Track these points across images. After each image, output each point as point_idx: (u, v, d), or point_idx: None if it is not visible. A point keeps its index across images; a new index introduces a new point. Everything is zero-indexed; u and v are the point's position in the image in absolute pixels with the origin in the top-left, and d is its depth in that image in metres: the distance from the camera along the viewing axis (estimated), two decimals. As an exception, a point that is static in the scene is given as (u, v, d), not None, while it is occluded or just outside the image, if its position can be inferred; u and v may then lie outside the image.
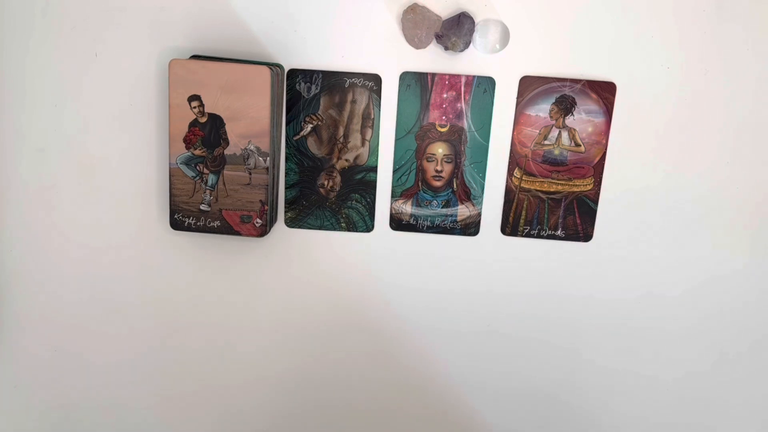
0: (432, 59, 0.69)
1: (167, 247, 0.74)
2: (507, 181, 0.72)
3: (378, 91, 0.70)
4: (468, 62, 0.69)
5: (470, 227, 0.73)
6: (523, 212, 0.73)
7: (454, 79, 0.69)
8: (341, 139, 0.71)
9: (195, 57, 0.69)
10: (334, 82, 0.69)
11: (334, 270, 0.75)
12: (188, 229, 0.69)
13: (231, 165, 0.67)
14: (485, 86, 0.69)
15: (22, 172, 0.73)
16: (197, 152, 0.67)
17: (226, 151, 0.67)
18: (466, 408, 0.79)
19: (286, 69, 0.69)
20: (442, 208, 0.73)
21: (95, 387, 0.79)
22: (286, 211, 0.73)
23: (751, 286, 0.74)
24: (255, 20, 0.68)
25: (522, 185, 0.72)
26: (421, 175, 0.72)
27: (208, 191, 0.68)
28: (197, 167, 0.68)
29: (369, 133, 0.71)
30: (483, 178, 0.72)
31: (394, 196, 0.73)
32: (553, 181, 0.72)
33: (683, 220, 0.72)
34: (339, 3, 0.68)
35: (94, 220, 0.74)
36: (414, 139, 0.71)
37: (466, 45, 0.67)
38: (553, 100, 0.69)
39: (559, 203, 0.72)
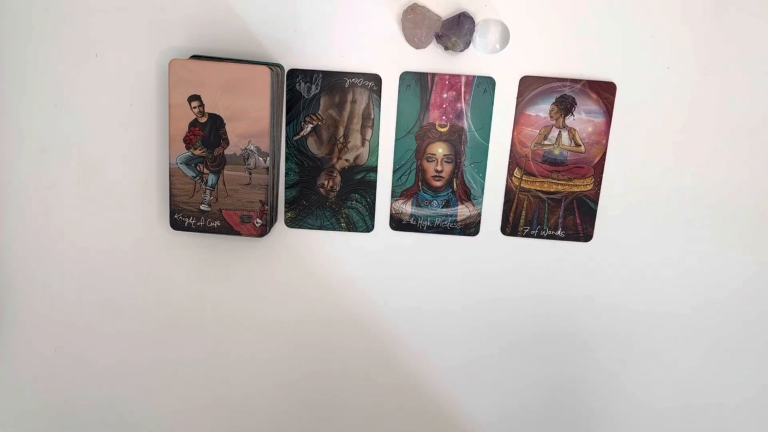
0: (432, 59, 0.69)
1: (167, 247, 0.74)
2: (507, 181, 0.72)
3: (378, 91, 0.70)
4: (468, 62, 0.69)
5: (470, 227, 0.73)
6: (523, 212, 0.73)
7: (454, 79, 0.69)
8: (341, 139, 0.71)
9: (195, 57, 0.69)
10: (334, 82, 0.69)
11: (334, 270, 0.75)
12: (188, 229, 0.69)
13: (231, 165, 0.67)
14: (485, 86, 0.69)
15: (22, 172, 0.73)
16: (197, 152, 0.67)
17: (226, 151, 0.67)
18: (466, 408, 0.79)
19: (286, 69, 0.69)
20: (442, 208, 0.73)
21: (95, 386, 0.79)
22: (286, 211, 0.73)
23: (754, 285, 0.74)
24: (255, 20, 0.68)
25: (522, 185, 0.72)
26: (421, 175, 0.72)
27: (208, 191, 0.68)
28: (197, 167, 0.68)
29: (369, 133, 0.71)
30: (483, 178, 0.72)
31: (394, 196, 0.73)
32: (553, 181, 0.72)
33: (683, 219, 0.72)
34: (339, 3, 0.68)
35: (94, 220, 0.74)
36: (414, 139, 0.71)
37: (466, 45, 0.67)
38: (553, 100, 0.69)
39: (559, 203, 0.72)
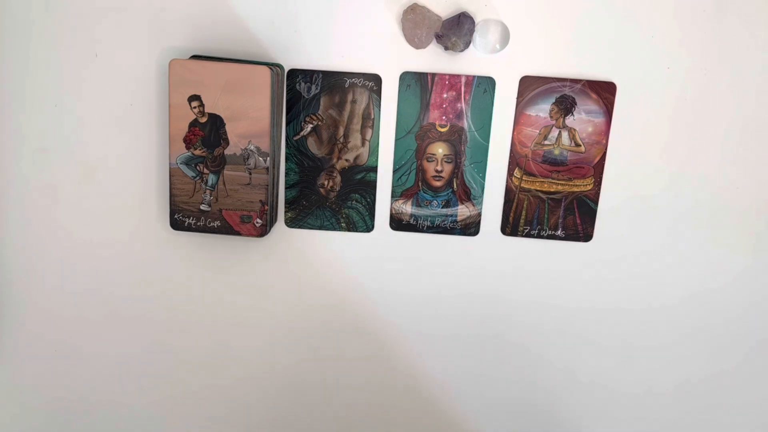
0: (432, 59, 0.69)
1: (167, 247, 0.74)
2: (507, 181, 0.72)
3: (378, 91, 0.70)
4: (468, 62, 0.69)
5: (470, 227, 0.73)
6: (523, 212, 0.73)
7: (454, 79, 0.69)
8: (341, 139, 0.71)
9: (195, 57, 0.69)
10: (334, 82, 0.69)
11: (334, 270, 0.75)
12: (188, 229, 0.69)
13: (231, 165, 0.67)
14: (485, 86, 0.69)
15: (22, 172, 0.73)
16: (197, 152, 0.67)
17: (226, 151, 0.67)
18: (464, 407, 0.79)
19: (286, 69, 0.69)
20: (442, 208, 0.73)
21: (96, 387, 0.79)
22: (286, 211, 0.73)
23: (754, 285, 0.74)
24: (255, 20, 0.68)
25: (522, 185, 0.72)
26: (421, 175, 0.72)
27: (208, 191, 0.68)
28: (197, 167, 0.68)
29: (369, 133, 0.71)
30: (483, 178, 0.72)
31: (394, 196, 0.73)
32: (553, 181, 0.72)
33: (684, 219, 0.72)
34: (339, 3, 0.68)
35: (94, 220, 0.74)
36: (414, 139, 0.71)
37: (466, 45, 0.67)
38: (553, 100, 0.69)
39: (559, 203, 0.72)
